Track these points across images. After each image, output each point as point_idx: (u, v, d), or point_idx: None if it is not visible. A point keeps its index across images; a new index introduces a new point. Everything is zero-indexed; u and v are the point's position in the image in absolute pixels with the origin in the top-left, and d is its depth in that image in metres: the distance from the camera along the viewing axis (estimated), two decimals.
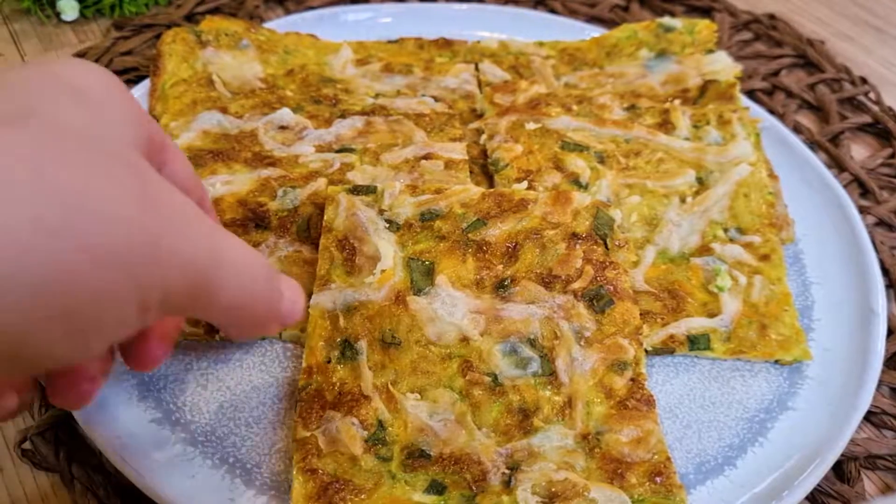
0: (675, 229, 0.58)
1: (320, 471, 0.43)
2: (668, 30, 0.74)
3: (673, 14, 0.89)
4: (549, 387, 0.47)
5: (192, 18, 0.84)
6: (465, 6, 0.82)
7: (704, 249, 0.57)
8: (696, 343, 0.52)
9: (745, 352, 0.52)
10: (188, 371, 0.50)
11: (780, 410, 0.51)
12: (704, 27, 0.74)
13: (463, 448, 0.44)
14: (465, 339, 0.48)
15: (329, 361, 0.47)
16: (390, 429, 0.45)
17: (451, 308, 0.49)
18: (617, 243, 0.53)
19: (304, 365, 0.47)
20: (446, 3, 0.83)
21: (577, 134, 0.64)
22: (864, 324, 0.55)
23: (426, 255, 0.52)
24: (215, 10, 0.85)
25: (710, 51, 0.72)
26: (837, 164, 0.73)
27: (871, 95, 0.80)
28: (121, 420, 0.46)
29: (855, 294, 0.57)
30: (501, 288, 0.51)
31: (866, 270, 0.58)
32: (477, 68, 0.72)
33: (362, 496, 0.42)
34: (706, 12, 0.92)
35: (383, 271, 0.50)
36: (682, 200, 0.60)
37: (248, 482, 0.44)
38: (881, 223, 0.67)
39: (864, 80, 0.82)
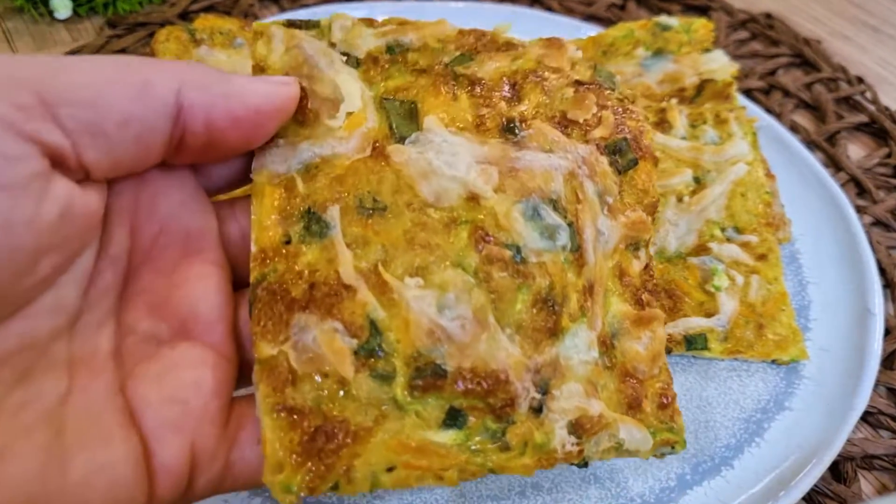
0: (672, 229, 0.58)
1: (299, 407, 0.32)
2: (665, 29, 0.74)
3: (669, 13, 0.89)
4: (574, 268, 0.37)
5: (186, 16, 0.84)
6: (461, 4, 0.82)
7: (701, 249, 0.57)
8: (693, 343, 0.52)
9: (742, 352, 0.52)
10: None
11: (776, 410, 0.51)
12: (701, 26, 0.73)
13: (486, 360, 0.34)
14: (473, 199, 0.36)
15: (289, 242, 0.35)
16: (387, 333, 0.33)
17: (451, 157, 0.37)
18: (628, 98, 0.43)
19: (253, 249, 0.35)
20: (442, 2, 0.82)
21: None
22: (861, 323, 0.55)
23: (403, 93, 0.39)
24: (209, 9, 0.84)
25: (707, 50, 0.72)
26: (834, 164, 0.73)
27: (868, 95, 0.80)
28: None
29: (852, 294, 0.57)
30: (510, 131, 0.39)
31: (863, 270, 0.58)
32: None
33: (363, 444, 0.32)
34: (703, 11, 0.92)
35: (350, 114, 0.38)
36: (679, 200, 0.60)
37: None
38: (878, 223, 0.67)
39: (860, 80, 0.82)
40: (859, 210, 0.66)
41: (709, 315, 0.53)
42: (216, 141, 0.32)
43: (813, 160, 0.67)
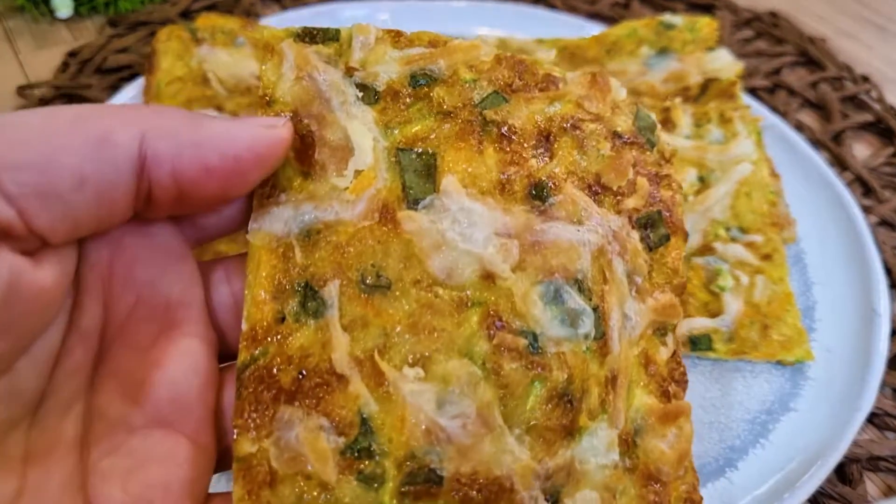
0: None
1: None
2: (669, 27, 0.73)
3: (674, 11, 0.88)
4: (596, 359, 0.33)
5: (187, 15, 0.84)
6: (464, 3, 0.82)
7: (706, 249, 0.57)
8: (698, 344, 0.52)
9: (747, 352, 0.52)
10: None
11: (781, 412, 0.51)
12: (705, 25, 0.73)
13: (489, 465, 0.30)
14: (489, 277, 0.32)
15: (283, 319, 0.32)
16: (380, 431, 0.30)
17: (468, 228, 0.33)
18: (665, 155, 0.39)
19: (244, 327, 0.32)
20: (445, 1, 0.82)
21: None
22: (867, 324, 0.54)
23: (424, 142, 0.35)
24: (211, 8, 0.84)
25: (712, 48, 0.71)
26: (840, 163, 0.72)
27: (874, 94, 0.80)
28: None
29: (857, 294, 0.56)
30: (538, 197, 0.35)
31: (869, 270, 0.57)
32: None
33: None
34: (707, 9, 0.91)
35: (359, 172, 0.33)
36: (684, 199, 0.59)
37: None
38: (884, 223, 0.67)
39: (865, 79, 0.82)
40: (865, 210, 0.66)
41: (713, 315, 0.53)
42: (188, 193, 0.29)
43: (818, 159, 0.66)
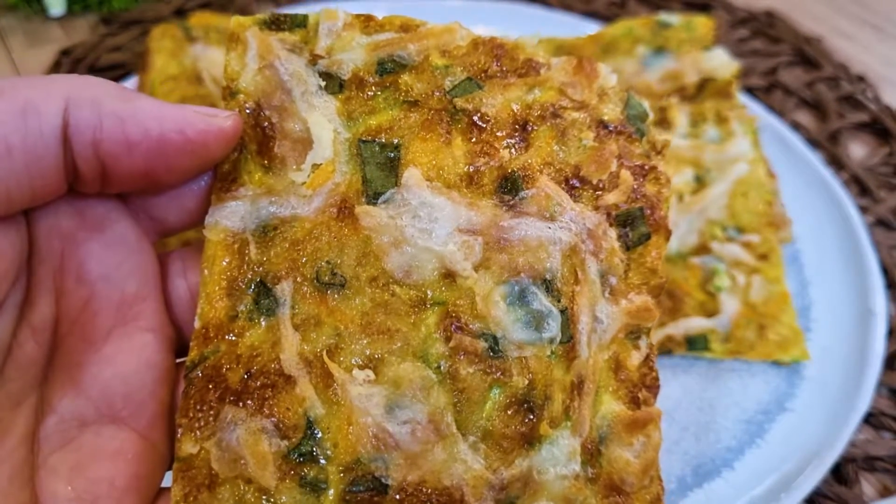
0: (673, 228, 0.57)
1: None
2: (666, 26, 0.73)
3: (670, 10, 0.88)
4: (562, 364, 0.32)
5: (181, 14, 0.83)
6: (459, 2, 0.82)
7: (703, 249, 0.56)
8: (695, 343, 0.52)
9: (744, 352, 0.52)
10: None
11: (778, 412, 0.50)
12: (702, 24, 0.73)
13: (438, 474, 0.29)
14: (449, 276, 0.31)
15: (236, 317, 0.31)
16: (325, 435, 0.29)
17: (429, 223, 0.31)
18: (656, 146, 0.36)
19: (196, 325, 0.31)
20: (440, 0, 0.82)
21: None
22: (863, 324, 0.54)
23: (387, 132, 0.33)
24: (205, 6, 0.84)
25: (708, 48, 0.71)
26: (836, 163, 0.72)
27: (869, 93, 0.80)
28: None
29: (853, 294, 0.56)
30: (508, 190, 0.33)
31: (865, 270, 0.57)
32: None
33: None
34: (703, 9, 0.91)
35: (316, 166, 0.32)
36: (680, 199, 0.59)
37: None
38: (880, 222, 0.67)
39: (861, 78, 0.82)
40: (861, 209, 0.66)
41: (710, 315, 0.53)
42: (111, 168, 0.28)
43: (814, 159, 0.66)
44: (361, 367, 0.30)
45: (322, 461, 0.29)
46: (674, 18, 0.74)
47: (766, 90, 0.80)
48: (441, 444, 0.29)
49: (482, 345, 0.31)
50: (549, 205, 0.33)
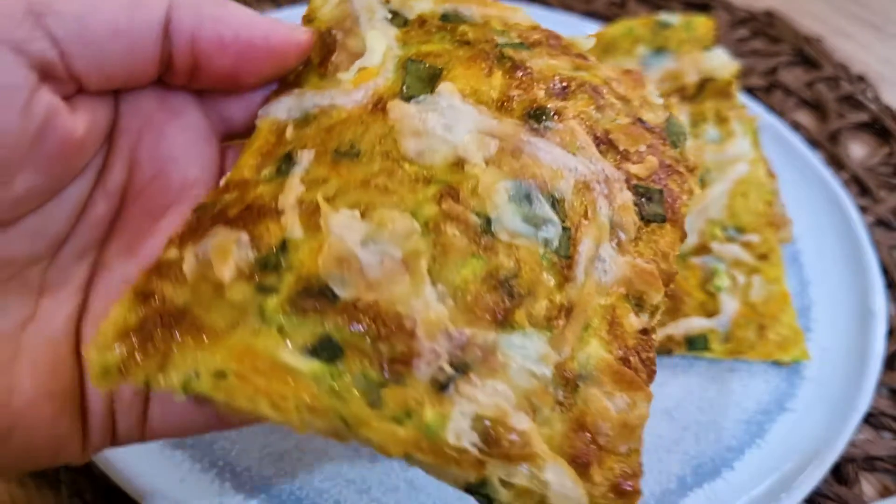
0: None
1: (158, 297, 0.29)
2: (666, 26, 0.73)
3: (670, 10, 0.88)
4: (554, 272, 0.31)
5: None
6: None
7: (702, 248, 0.56)
8: (695, 343, 0.52)
9: (744, 352, 0.52)
10: None
11: (778, 412, 0.50)
12: (702, 24, 0.73)
13: (395, 303, 0.29)
14: (458, 164, 0.32)
15: (258, 180, 0.33)
16: (294, 253, 0.30)
17: (451, 121, 0.33)
18: (688, 164, 0.37)
19: (221, 183, 0.33)
20: None
21: None
22: (863, 324, 0.54)
23: (436, 59, 0.35)
24: None
25: (708, 48, 0.71)
26: (836, 163, 0.72)
27: (869, 93, 0.80)
28: None
29: (853, 294, 0.56)
30: (536, 118, 0.34)
31: (865, 270, 0.57)
32: None
33: (202, 339, 0.28)
34: (703, 9, 0.91)
35: (363, 69, 0.35)
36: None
37: (237, 486, 0.44)
38: (880, 222, 0.67)
39: (861, 78, 0.82)
40: (861, 209, 0.66)
41: (710, 315, 0.53)
42: (202, 65, 0.32)
43: (814, 159, 0.66)
44: (351, 208, 0.30)
45: (281, 271, 0.29)
46: (674, 18, 0.74)
47: (766, 90, 0.80)
48: (407, 279, 0.29)
49: (474, 218, 0.31)
50: (573, 141, 0.34)
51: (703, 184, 0.60)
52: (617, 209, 0.33)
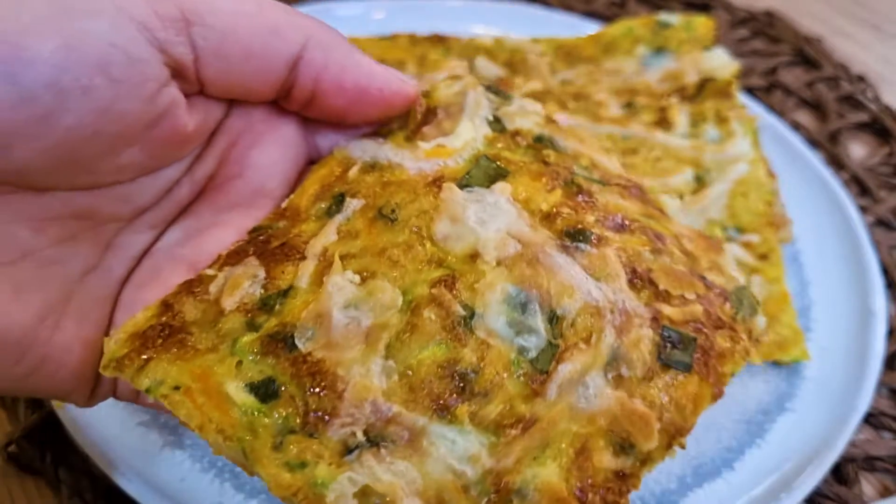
0: None
1: (176, 310, 0.33)
2: (666, 26, 0.73)
3: (670, 10, 0.88)
4: (523, 383, 0.31)
5: None
6: (459, 2, 0.81)
7: None
8: None
9: None
10: None
11: (778, 412, 0.50)
12: (702, 24, 0.73)
13: (339, 365, 0.30)
14: (473, 257, 0.33)
15: (310, 212, 0.37)
16: (291, 300, 0.32)
17: (487, 217, 0.34)
18: (751, 333, 0.35)
19: (282, 206, 0.37)
20: (440, 0, 0.82)
21: None
22: (863, 324, 0.54)
23: (507, 164, 0.37)
24: None
25: (708, 48, 0.71)
26: (836, 163, 0.72)
27: (869, 94, 0.80)
28: (108, 423, 0.45)
29: (854, 294, 0.56)
30: (571, 237, 0.34)
31: (865, 270, 0.57)
32: (471, 65, 0.71)
33: (179, 358, 0.31)
34: (703, 9, 0.91)
35: (441, 146, 0.37)
36: (680, 199, 0.59)
37: (237, 486, 0.44)
38: (880, 222, 0.67)
39: (861, 78, 0.82)
40: (861, 209, 0.66)
41: None
42: (318, 101, 0.35)
43: (814, 159, 0.66)
44: (356, 272, 0.33)
45: (272, 316, 0.32)
46: (674, 18, 0.74)
47: (766, 90, 0.80)
48: (361, 348, 0.31)
49: (458, 310, 0.32)
50: (602, 268, 0.33)
51: (703, 184, 0.60)
52: (625, 343, 0.32)
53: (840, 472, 0.50)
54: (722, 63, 0.69)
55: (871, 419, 0.53)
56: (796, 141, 0.68)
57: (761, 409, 0.50)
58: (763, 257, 0.56)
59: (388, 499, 0.28)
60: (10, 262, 0.29)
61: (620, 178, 0.39)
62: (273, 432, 0.30)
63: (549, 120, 0.41)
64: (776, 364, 0.53)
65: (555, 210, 0.35)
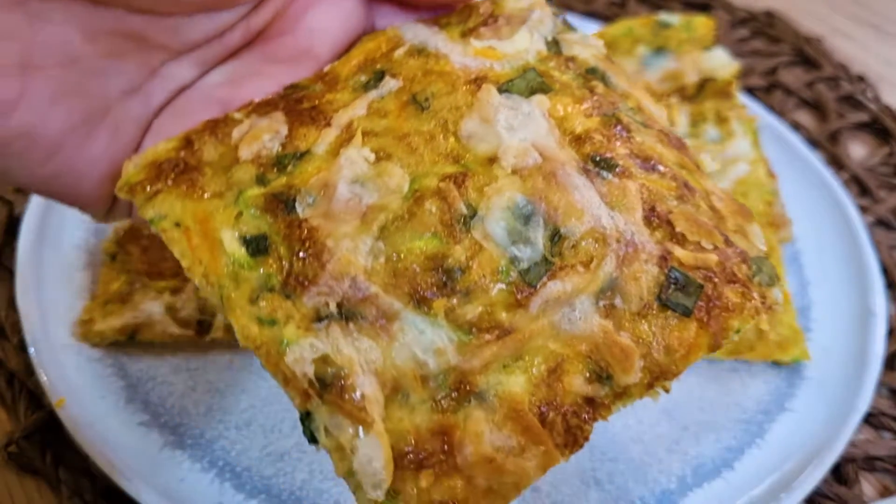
0: None
1: (196, 147, 0.34)
2: (666, 26, 0.73)
3: (670, 10, 0.88)
4: (508, 291, 0.31)
5: None
6: None
7: None
8: None
9: (744, 352, 0.52)
10: (177, 373, 0.49)
11: (778, 412, 0.50)
12: (702, 24, 0.73)
13: (330, 237, 0.31)
14: (492, 161, 0.33)
15: (348, 81, 0.37)
16: (303, 162, 0.33)
17: (517, 124, 0.34)
18: (765, 298, 0.32)
19: (326, 68, 0.37)
20: None
21: None
22: (863, 324, 0.54)
23: (553, 82, 0.36)
24: None
25: (708, 48, 0.71)
26: (836, 163, 0.72)
27: (869, 94, 0.80)
28: (108, 423, 0.45)
29: (853, 294, 0.56)
30: (596, 163, 0.33)
31: (865, 270, 0.57)
32: None
33: (187, 196, 0.32)
34: (703, 8, 0.91)
35: (492, 49, 0.37)
36: None
37: (237, 486, 0.44)
38: (880, 222, 0.67)
39: (861, 78, 0.82)
40: (861, 209, 0.66)
41: None
42: None
43: (814, 159, 0.66)
44: (372, 151, 0.33)
45: (283, 174, 0.33)
46: (674, 18, 0.74)
47: (766, 90, 0.80)
48: (356, 224, 0.31)
49: (460, 209, 0.32)
50: (619, 198, 0.32)
51: None
52: (625, 274, 0.31)
53: (840, 472, 0.50)
54: (722, 63, 0.69)
55: (871, 419, 0.53)
56: (796, 141, 0.68)
57: (761, 409, 0.51)
58: None
59: (343, 371, 0.29)
60: (57, 64, 0.30)
61: (665, 128, 0.38)
62: (253, 286, 0.31)
63: (608, 58, 0.39)
64: (776, 364, 0.53)
65: (587, 134, 0.34)
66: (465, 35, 0.38)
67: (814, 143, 0.73)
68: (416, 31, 0.38)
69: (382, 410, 0.29)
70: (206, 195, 0.32)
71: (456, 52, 0.37)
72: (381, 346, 0.30)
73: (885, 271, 0.61)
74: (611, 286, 0.31)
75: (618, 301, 0.31)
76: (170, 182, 0.32)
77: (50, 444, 0.47)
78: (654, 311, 0.31)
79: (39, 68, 0.30)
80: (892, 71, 0.86)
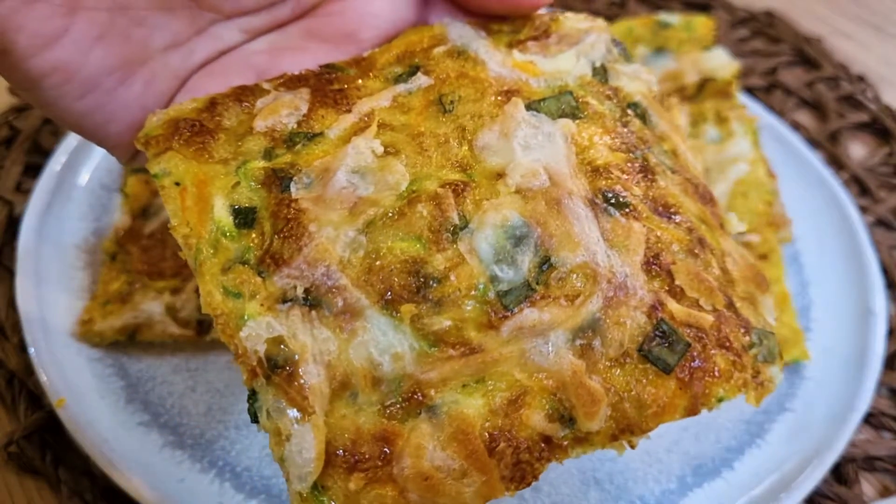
0: None
1: (218, 110, 0.34)
2: (666, 26, 0.73)
3: (670, 10, 0.88)
4: (482, 311, 0.30)
5: None
6: None
7: None
8: None
9: None
10: (176, 373, 0.49)
11: (778, 412, 0.50)
12: (702, 24, 0.73)
13: (313, 222, 0.31)
14: (499, 176, 0.32)
15: (382, 71, 0.37)
16: (315, 145, 0.33)
17: (535, 145, 0.33)
18: (759, 373, 0.32)
19: (366, 53, 0.38)
20: None
21: None
22: (863, 324, 0.54)
23: (586, 108, 0.36)
24: None
25: (708, 48, 0.71)
26: (836, 163, 0.72)
27: (869, 94, 0.80)
28: (108, 423, 0.45)
29: (853, 294, 0.56)
30: (607, 199, 0.33)
31: (865, 270, 0.57)
32: None
33: (194, 158, 0.33)
34: (703, 8, 0.91)
35: (531, 63, 0.37)
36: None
37: (237, 486, 0.44)
38: (880, 222, 0.67)
39: (861, 78, 0.82)
40: (861, 209, 0.66)
41: None
42: None
43: (814, 159, 0.66)
44: (383, 144, 0.33)
45: (292, 153, 0.33)
46: (674, 18, 0.74)
47: (766, 90, 0.80)
48: (343, 213, 0.31)
49: (453, 218, 0.31)
50: (621, 238, 0.32)
51: None
52: (610, 316, 0.30)
53: (840, 472, 0.50)
54: (722, 63, 0.69)
55: (871, 419, 0.53)
56: (796, 141, 0.68)
57: (761, 409, 0.50)
58: (763, 257, 0.56)
59: (294, 357, 0.29)
60: (106, 8, 0.31)
61: (693, 177, 0.37)
62: (230, 256, 0.31)
63: (655, 97, 0.38)
64: None
65: (607, 168, 0.33)
66: (512, 45, 0.37)
67: (814, 143, 0.73)
68: (461, 32, 0.37)
69: (326, 403, 0.29)
70: (212, 160, 0.33)
71: (495, 60, 0.36)
72: (340, 339, 0.29)
73: (885, 271, 0.61)
74: (591, 326, 0.30)
75: (596, 343, 0.30)
76: (182, 141, 0.33)
77: (50, 445, 0.47)
78: (633, 361, 0.30)
79: (89, 9, 0.31)
80: (892, 71, 0.86)
